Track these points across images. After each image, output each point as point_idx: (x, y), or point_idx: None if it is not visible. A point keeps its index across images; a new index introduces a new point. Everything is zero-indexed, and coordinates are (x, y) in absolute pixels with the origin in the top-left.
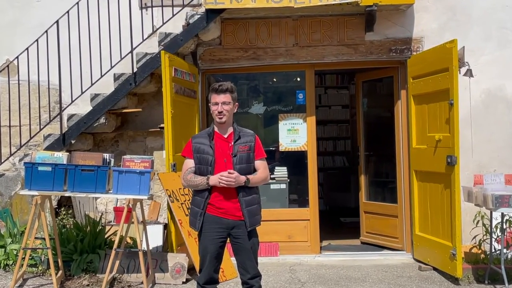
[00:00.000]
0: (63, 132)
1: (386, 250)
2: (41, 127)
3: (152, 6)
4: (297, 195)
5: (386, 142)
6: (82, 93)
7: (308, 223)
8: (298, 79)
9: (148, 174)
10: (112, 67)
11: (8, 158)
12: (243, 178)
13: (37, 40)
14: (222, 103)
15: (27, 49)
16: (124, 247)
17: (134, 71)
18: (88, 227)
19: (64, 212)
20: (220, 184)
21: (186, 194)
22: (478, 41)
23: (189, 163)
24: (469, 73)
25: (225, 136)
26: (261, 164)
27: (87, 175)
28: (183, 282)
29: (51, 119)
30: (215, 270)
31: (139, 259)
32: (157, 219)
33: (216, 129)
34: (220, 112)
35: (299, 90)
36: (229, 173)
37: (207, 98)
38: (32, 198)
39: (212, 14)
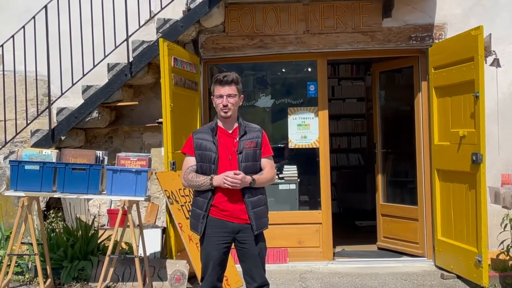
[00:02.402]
0: (52, 127)
1: (406, 256)
2: (28, 122)
3: None
4: (308, 196)
5: (405, 138)
6: (73, 84)
7: (320, 227)
8: (309, 69)
9: (145, 174)
10: (105, 56)
11: None
12: (249, 178)
13: (23, 27)
14: (227, 96)
15: (12, 36)
16: (119, 253)
17: (130, 61)
18: (80, 232)
19: (53, 215)
20: (225, 185)
21: (187, 196)
22: (506, 28)
23: (190, 161)
24: (496, 62)
25: (230, 131)
26: (267, 163)
27: (79, 175)
28: None
29: (39, 113)
30: (218, 278)
31: (135, 266)
32: (155, 222)
33: (219, 123)
34: (225, 106)
35: (310, 82)
36: (235, 173)
37: (209, 90)
38: (18, 199)
39: None
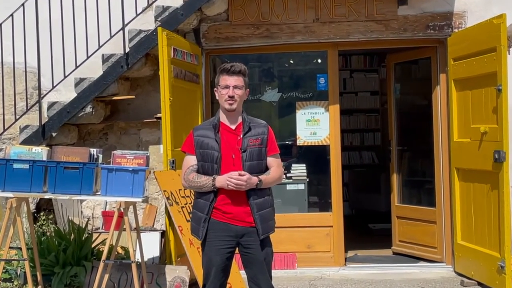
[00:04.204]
0: (43, 123)
1: (423, 262)
2: (17, 117)
3: None
4: (317, 197)
5: (422, 135)
6: (65, 77)
7: (331, 230)
8: (319, 60)
9: (143, 173)
10: (100, 46)
11: None
12: (255, 179)
13: (12, 15)
14: (234, 87)
15: (0, 25)
16: (115, 258)
17: (126, 52)
18: (72, 235)
19: (43, 217)
20: (229, 187)
21: (188, 196)
22: None
23: (191, 160)
24: None
25: (233, 127)
26: (274, 161)
27: (71, 174)
28: None
29: (28, 107)
30: (221, 285)
31: (131, 273)
32: (153, 225)
33: (222, 119)
34: (231, 97)
35: (320, 74)
36: (239, 174)
37: (211, 83)
38: (6, 200)
39: None
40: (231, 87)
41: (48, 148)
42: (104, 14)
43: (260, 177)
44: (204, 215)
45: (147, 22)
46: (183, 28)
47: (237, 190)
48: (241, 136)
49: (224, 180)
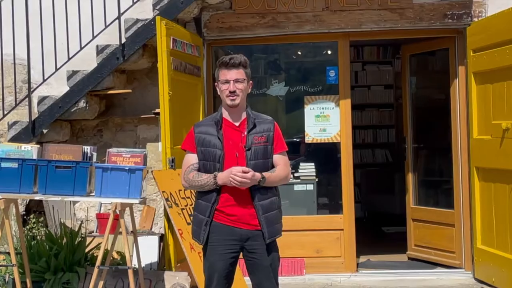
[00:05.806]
0: (33, 119)
1: (440, 267)
2: (5, 112)
3: None
4: (327, 198)
5: (440, 131)
6: (57, 69)
7: (342, 233)
8: (329, 52)
9: (140, 172)
10: (94, 37)
11: None
12: (258, 175)
13: None
14: (235, 81)
15: None
16: (110, 264)
17: (122, 43)
18: (64, 239)
19: (34, 220)
20: (232, 183)
21: (188, 198)
22: None
23: (191, 159)
24: None
25: (237, 124)
26: (281, 159)
27: (63, 174)
28: None
29: (17, 102)
30: None
31: (128, 279)
32: (151, 228)
33: (224, 115)
34: (232, 92)
35: (330, 66)
36: (243, 171)
37: (213, 75)
38: None
39: None
40: (231, 81)
41: (38, 145)
42: (99, 3)
43: (264, 174)
44: (205, 218)
45: (145, 11)
46: (183, 17)
47: (240, 187)
48: (245, 133)
49: (226, 176)
